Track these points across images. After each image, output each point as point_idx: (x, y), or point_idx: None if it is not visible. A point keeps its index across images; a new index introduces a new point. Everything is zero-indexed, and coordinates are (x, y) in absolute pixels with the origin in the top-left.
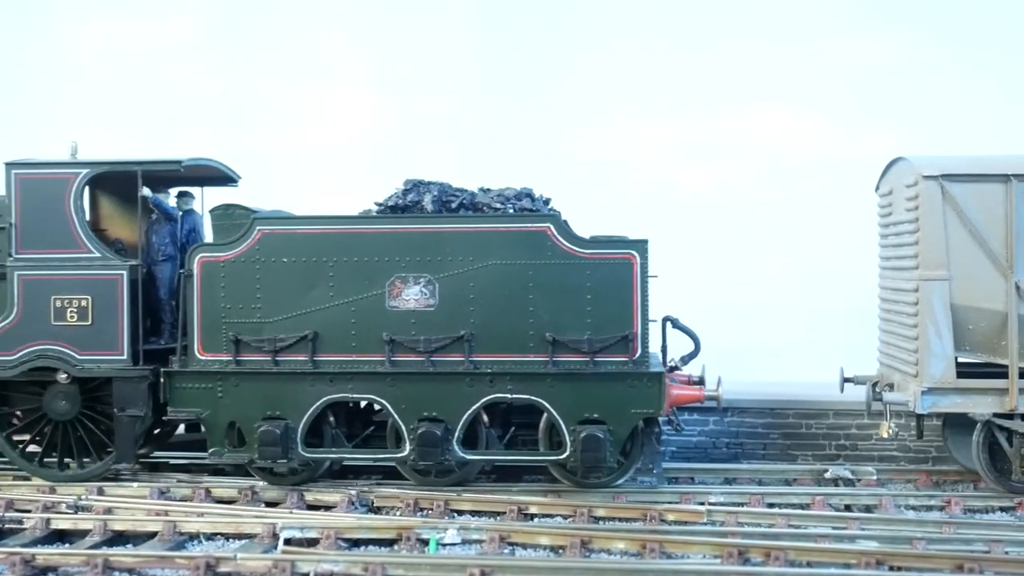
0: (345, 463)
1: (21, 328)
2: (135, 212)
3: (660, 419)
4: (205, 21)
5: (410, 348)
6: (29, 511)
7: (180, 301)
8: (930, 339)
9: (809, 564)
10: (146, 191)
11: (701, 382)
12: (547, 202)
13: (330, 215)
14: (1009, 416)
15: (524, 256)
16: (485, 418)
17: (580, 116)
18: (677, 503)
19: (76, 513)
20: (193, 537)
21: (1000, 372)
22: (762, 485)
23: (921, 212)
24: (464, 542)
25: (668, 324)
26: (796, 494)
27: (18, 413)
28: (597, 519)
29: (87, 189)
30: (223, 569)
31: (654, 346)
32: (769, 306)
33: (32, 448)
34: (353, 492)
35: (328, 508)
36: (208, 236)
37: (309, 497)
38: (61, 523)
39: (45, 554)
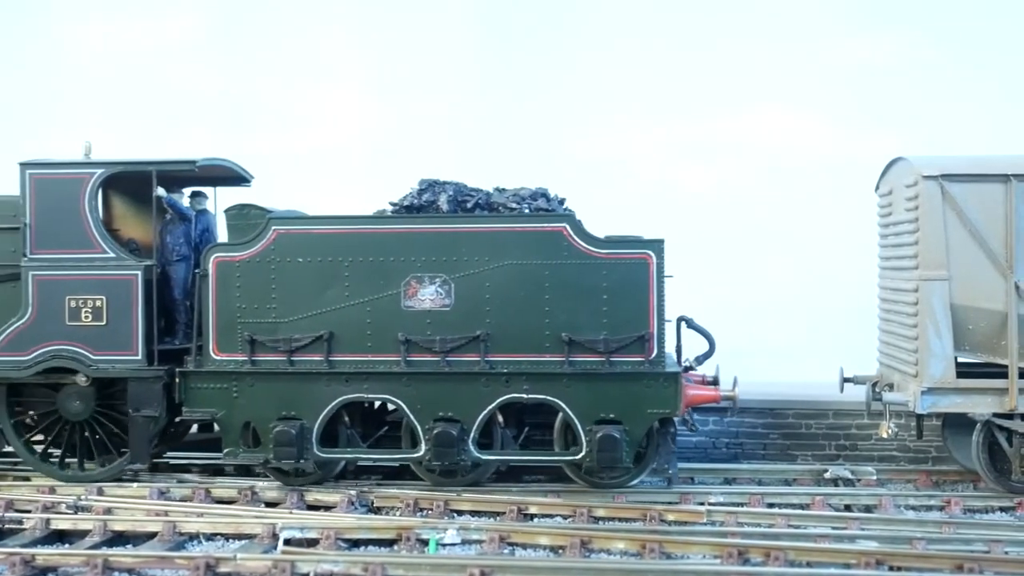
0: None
1: (36, 328)
2: (148, 212)
3: (675, 419)
4: (205, 21)
5: (426, 348)
6: (29, 511)
7: (195, 301)
8: (930, 339)
9: (809, 564)
10: (160, 191)
11: (715, 382)
12: (562, 202)
13: (346, 215)
14: (1009, 416)
15: (540, 256)
16: (500, 418)
17: (580, 116)
18: (677, 503)
19: (76, 513)
20: (193, 537)
21: (1000, 372)
22: (762, 485)
23: (921, 212)
24: (464, 542)
25: (683, 324)
26: (796, 494)
27: (31, 413)
28: (597, 519)
29: (100, 189)
30: (223, 569)
31: (668, 346)
32: (769, 306)
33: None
34: (353, 492)
35: (328, 508)
36: (222, 236)
37: (309, 497)
38: (61, 523)
39: (45, 554)
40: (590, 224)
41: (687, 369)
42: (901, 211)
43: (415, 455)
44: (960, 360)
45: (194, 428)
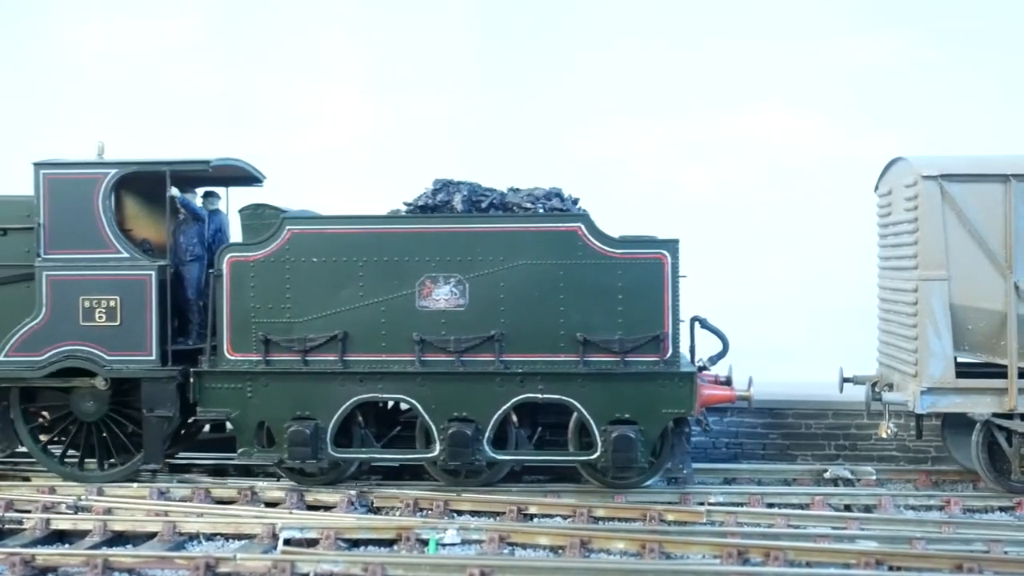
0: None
1: (49, 329)
2: (159, 212)
3: (689, 419)
4: (205, 21)
5: (440, 348)
6: (29, 511)
7: (210, 301)
8: (929, 339)
9: (808, 564)
10: (174, 191)
11: (728, 382)
12: (575, 201)
13: (361, 215)
14: (1008, 416)
15: (555, 256)
16: (514, 418)
17: (580, 116)
18: (676, 503)
19: (76, 513)
20: (193, 537)
21: (999, 372)
22: (761, 485)
23: (920, 212)
24: (464, 542)
25: (696, 324)
26: (795, 494)
27: (44, 413)
28: (597, 519)
29: (114, 189)
30: (223, 569)
31: (682, 346)
32: (769, 306)
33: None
34: (353, 492)
35: (328, 508)
36: (235, 236)
37: (309, 497)
38: (61, 523)
39: (45, 554)
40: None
41: (701, 369)
42: (900, 211)
43: (430, 455)
44: (960, 360)
45: (205, 428)
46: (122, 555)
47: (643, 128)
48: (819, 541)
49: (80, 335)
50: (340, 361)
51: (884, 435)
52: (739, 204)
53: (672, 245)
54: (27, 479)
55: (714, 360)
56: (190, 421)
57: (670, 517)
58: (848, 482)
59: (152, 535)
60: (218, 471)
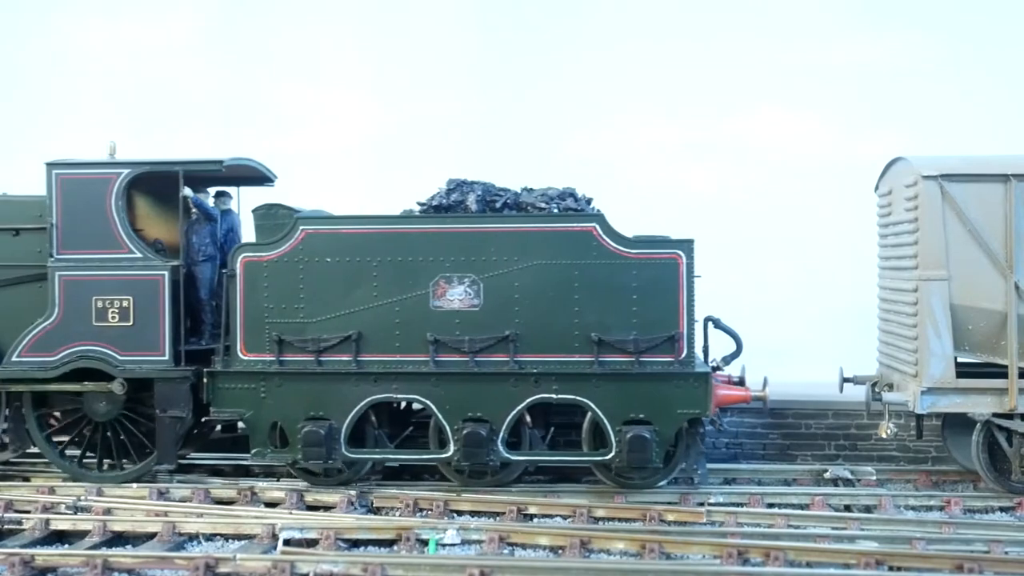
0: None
1: (62, 329)
2: (171, 212)
3: (703, 419)
4: (206, 22)
5: (454, 348)
6: (28, 512)
7: (223, 301)
8: (929, 339)
9: (809, 564)
10: (187, 191)
11: (742, 382)
12: (589, 201)
13: (374, 215)
14: (1008, 416)
15: (569, 256)
16: (528, 418)
17: (580, 116)
18: (676, 503)
19: (75, 514)
20: (192, 538)
21: (1000, 372)
22: (761, 485)
23: (920, 212)
24: (464, 542)
25: (710, 324)
26: (795, 494)
27: (56, 414)
28: (596, 519)
29: (127, 189)
30: (222, 570)
31: (696, 346)
32: (769, 306)
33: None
34: (353, 492)
35: (327, 508)
36: (247, 236)
37: (308, 498)
38: (60, 524)
39: (44, 555)
40: None
41: (715, 369)
42: (901, 211)
43: (444, 455)
44: (960, 360)
45: (216, 428)
46: (122, 555)
47: (642, 128)
48: (819, 541)
49: (93, 335)
50: (354, 361)
51: (884, 435)
52: (738, 204)
53: (687, 245)
54: (27, 479)
55: (728, 360)
56: (202, 421)
57: (670, 517)
58: (848, 482)
59: (152, 535)
60: (216, 471)
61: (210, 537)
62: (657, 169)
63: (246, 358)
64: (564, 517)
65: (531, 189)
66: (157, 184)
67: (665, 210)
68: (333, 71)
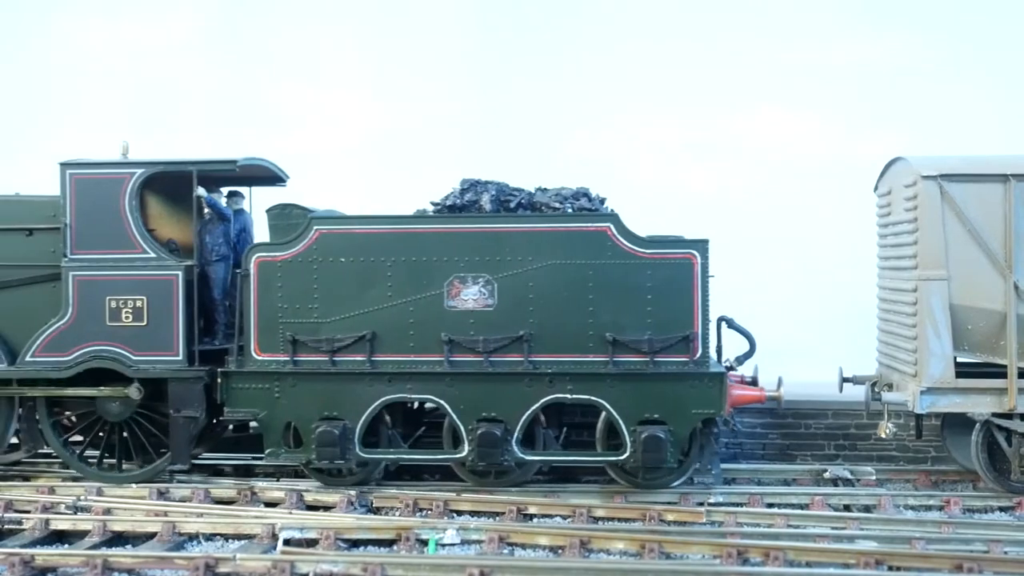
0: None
1: (76, 329)
2: (183, 212)
3: (717, 419)
4: (205, 22)
5: (469, 348)
6: (28, 512)
7: (237, 301)
8: (929, 339)
9: (808, 564)
10: (201, 191)
11: (754, 382)
12: (603, 201)
13: (389, 215)
14: (1008, 416)
15: (584, 256)
16: (542, 418)
17: (580, 116)
18: (676, 503)
19: (75, 514)
20: (192, 538)
21: (999, 372)
22: (761, 485)
23: (920, 212)
24: (463, 542)
25: (723, 324)
26: (795, 494)
27: (68, 413)
28: (596, 519)
29: (140, 189)
30: (222, 570)
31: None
32: (768, 306)
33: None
34: (353, 492)
35: (327, 508)
36: (261, 236)
37: (308, 497)
38: (60, 524)
39: (44, 555)
40: None
41: (728, 369)
42: (900, 211)
43: (459, 455)
44: (959, 360)
45: (228, 428)
46: (122, 555)
47: (643, 128)
48: (819, 541)
49: (107, 335)
50: (368, 361)
51: (883, 435)
52: (738, 204)
53: (702, 245)
54: (27, 479)
55: (741, 360)
56: (215, 421)
57: (670, 517)
58: (848, 482)
59: (152, 535)
60: (216, 471)
61: (210, 537)
62: (657, 169)
63: (260, 358)
64: (564, 517)
65: (545, 189)
66: (169, 184)
67: (665, 210)
68: (333, 71)
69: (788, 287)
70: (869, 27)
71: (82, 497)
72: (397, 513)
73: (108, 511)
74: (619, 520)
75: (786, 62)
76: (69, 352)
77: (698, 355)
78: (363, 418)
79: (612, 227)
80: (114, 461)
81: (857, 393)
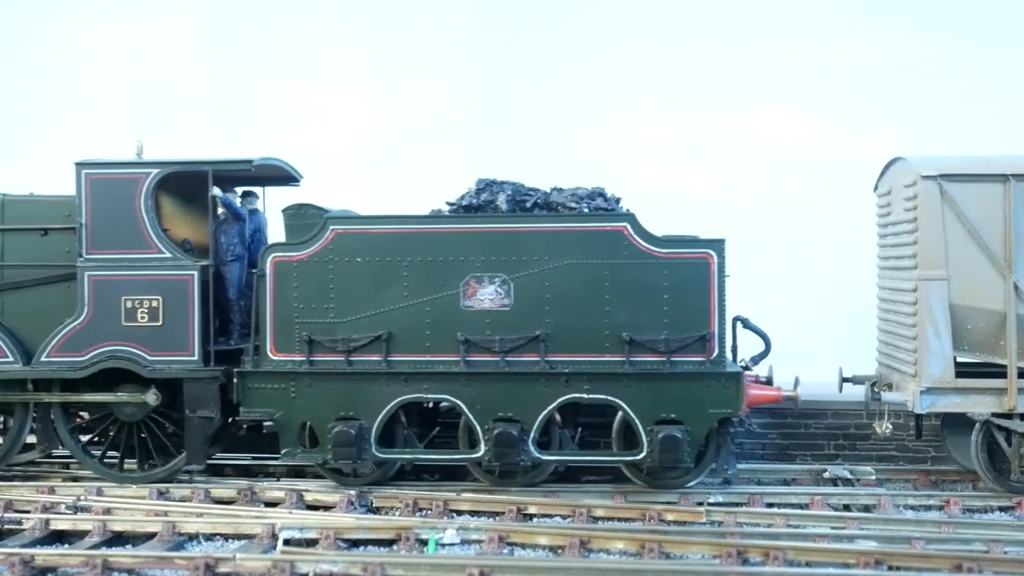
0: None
1: (91, 329)
2: (197, 212)
3: (733, 419)
4: (205, 22)
5: (485, 348)
6: (28, 512)
7: (252, 301)
8: (929, 339)
9: (808, 564)
10: (216, 191)
11: (769, 382)
12: (618, 201)
13: (405, 215)
14: (1008, 416)
15: (600, 255)
16: (558, 418)
17: (580, 116)
18: (676, 503)
19: (75, 514)
20: (192, 537)
21: (999, 372)
22: (761, 485)
23: (920, 212)
24: (463, 542)
25: (738, 324)
26: (795, 494)
27: (83, 414)
28: (596, 519)
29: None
30: (222, 569)
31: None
32: (768, 306)
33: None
34: (353, 492)
35: (327, 508)
36: (276, 236)
37: (308, 497)
38: (60, 524)
39: (44, 555)
40: None
41: (744, 369)
42: (900, 211)
43: (475, 455)
44: (959, 360)
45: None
46: (122, 555)
47: (642, 128)
48: (818, 541)
49: (122, 335)
50: (384, 361)
51: (881, 432)
52: (738, 204)
53: (718, 245)
54: (27, 479)
55: (756, 360)
56: (230, 421)
57: (669, 517)
58: (847, 482)
59: (152, 535)
60: (217, 471)
61: (210, 537)
62: (657, 169)
63: (276, 358)
64: (563, 517)
65: (561, 189)
66: (182, 184)
67: (665, 210)
68: (333, 71)
69: (788, 287)
70: (869, 27)
71: (82, 497)
72: (397, 513)
73: (108, 511)
74: (619, 520)
75: (786, 62)
76: (84, 352)
77: (715, 355)
78: (379, 418)
79: (629, 227)
80: (116, 461)
81: (857, 393)
